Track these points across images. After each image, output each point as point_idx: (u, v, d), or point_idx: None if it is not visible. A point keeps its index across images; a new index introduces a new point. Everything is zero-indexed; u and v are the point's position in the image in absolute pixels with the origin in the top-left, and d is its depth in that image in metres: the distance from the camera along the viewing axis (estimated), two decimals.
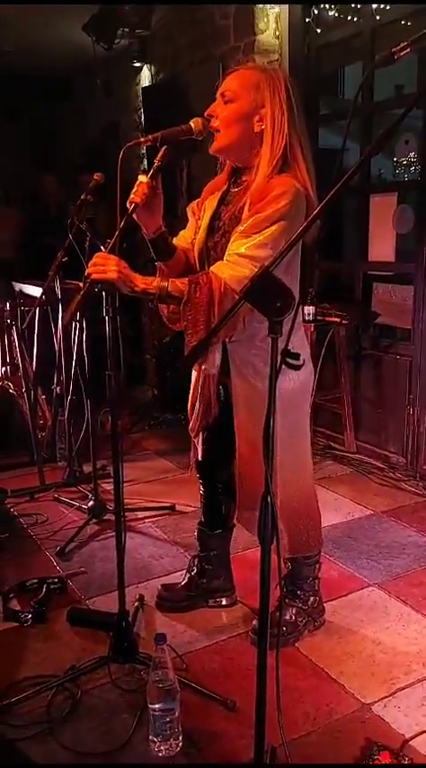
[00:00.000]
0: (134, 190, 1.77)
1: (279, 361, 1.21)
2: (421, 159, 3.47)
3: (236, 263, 1.74)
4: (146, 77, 5.09)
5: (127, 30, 4.09)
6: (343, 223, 4.06)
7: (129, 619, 2.19)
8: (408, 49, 1.07)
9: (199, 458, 2.21)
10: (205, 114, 1.86)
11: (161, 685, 1.70)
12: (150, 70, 5.01)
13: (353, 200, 3.86)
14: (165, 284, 1.76)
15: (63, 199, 5.31)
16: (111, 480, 3.56)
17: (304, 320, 3.64)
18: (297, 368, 1.23)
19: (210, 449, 2.16)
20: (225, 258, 1.79)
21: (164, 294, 1.76)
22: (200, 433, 2.16)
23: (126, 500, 3.25)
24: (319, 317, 3.67)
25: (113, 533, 2.91)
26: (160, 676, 1.70)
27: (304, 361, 1.55)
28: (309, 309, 3.65)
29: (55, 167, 6.09)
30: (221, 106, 1.85)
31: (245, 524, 2.09)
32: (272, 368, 1.22)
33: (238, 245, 1.75)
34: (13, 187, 5.92)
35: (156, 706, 1.71)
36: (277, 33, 3.84)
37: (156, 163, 1.80)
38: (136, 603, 2.35)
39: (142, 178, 1.78)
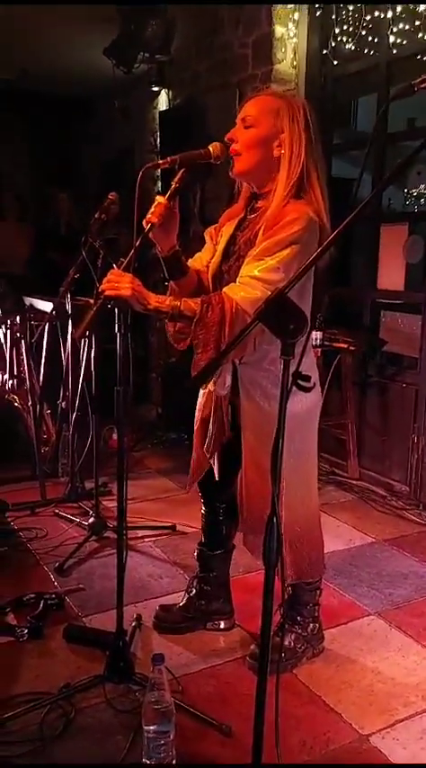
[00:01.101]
0: (151, 210, 1.80)
1: (290, 382, 1.21)
2: None
3: (249, 285, 1.75)
4: (163, 101, 5.17)
5: (147, 54, 4.16)
6: (353, 251, 4.10)
7: (127, 638, 2.18)
8: None
9: (216, 476, 2.19)
10: (225, 138, 1.89)
11: (157, 707, 1.67)
12: (168, 95, 5.09)
13: (364, 229, 3.90)
14: (178, 303, 1.78)
15: (75, 217, 5.38)
16: (113, 497, 3.59)
17: (312, 345, 3.66)
18: (308, 390, 1.24)
19: (211, 469, 2.16)
20: (238, 280, 1.80)
21: (176, 313, 1.77)
22: (215, 455, 2.16)
23: (127, 518, 3.27)
24: (326, 343, 3.68)
25: (113, 551, 2.93)
26: (156, 697, 1.68)
27: (314, 384, 1.56)
28: (317, 335, 3.67)
29: (69, 185, 6.18)
30: (241, 131, 1.89)
31: (250, 547, 2.08)
32: (283, 389, 1.22)
33: (251, 268, 1.77)
34: (28, 204, 6.00)
35: (151, 728, 1.68)
36: (294, 63, 3.91)
37: (174, 185, 1.83)
38: (133, 623, 2.33)
39: (160, 199, 1.81)
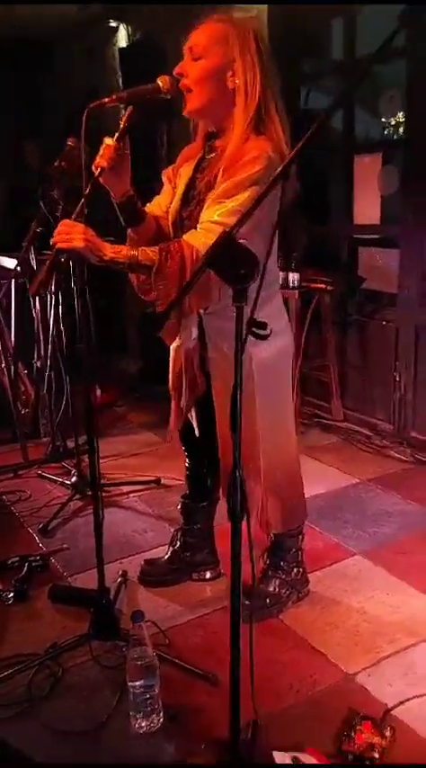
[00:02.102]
0: (100, 153, 1.69)
1: (244, 331, 1.15)
2: (407, 117, 3.36)
3: (209, 230, 1.66)
4: (123, 38, 4.90)
5: None
6: (327, 185, 3.95)
7: (112, 595, 2.18)
8: None
9: (196, 432, 2.14)
10: (174, 72, 1.77)
11: (140, 662, 1.67)
12: (127, 30, 4.82)
13: (337, 161, 3.76)
14: (135, 253, 1.69)
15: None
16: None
17: (289, 287, 3.57)
18: (264, 337, 1.17)
19: (189, 421, 2.11)
20: (198, 226, 1.71)
21: (133, 263, 1.69)
22: (192, 408, 2.11)
23: (110, 474, 3.26)
24: (304, 284, 3.60)
25: None
26: (139, 653, 1.67)
27: (271, 331, 1.47)
28: (294, 276, 3.58)
29: (39, 135, 5.90)
30: (190, 64, 1.76)
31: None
32: (238, 339, 1.16)
33: (211, 213, 1.68)
34: None
35: (136, 683, 1.69)
36: None
37: (123, 124, 1.71)
38: (118, 579, 2.33)
39: (108, 140, 1.69)
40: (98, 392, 4.32)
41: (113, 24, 4.81)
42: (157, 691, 1.71)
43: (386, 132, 7.36)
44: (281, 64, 1.80)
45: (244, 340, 1.15)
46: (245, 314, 1.19)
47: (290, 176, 1.74)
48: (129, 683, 1.70)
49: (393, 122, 6.67)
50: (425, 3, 2.63)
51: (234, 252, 1.10)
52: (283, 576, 2.17)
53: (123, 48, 4.89)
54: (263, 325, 1.16)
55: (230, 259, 1.10)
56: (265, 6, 3.71)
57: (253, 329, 1.15)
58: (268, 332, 1.17)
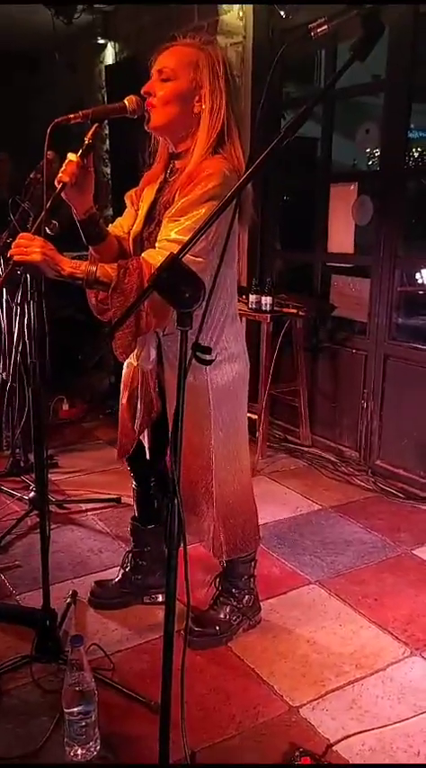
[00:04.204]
0: (62, 168, 1.68)
1: (189, 355, 1.13)
2: (382, 148, 3.41)
3: (166, 249, 1.65)
4: (109, 55, 4.94)
5: (86, 4, 3.96)
6: (304, 212, 3.99)
7: (60, 616, 2.12)
8: (325, 27, 1.00)
9: (147, 454, 2.11)
10: (142, 92, 1.77)
11: (77, 688, 1.63)
12: (114, 48, 4.86)
13: (314, 189, 3.79)
14: (94, 268, 1.68)
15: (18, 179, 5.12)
16: (59, 470, 3.51)
17: (262, 310, 3.58)
18: (207, 363, 1.16)
19: (140, 442, 2.09)
20: (156, 245, 1.71)
21: (91, 279, 1.67)
22: (146, 431, 2.08)
23: (71, 491, 3.21)
24: (277, 308, 3.61)
25: (56, 525, 2.86)
26: (76, 679, 1.63)
27: (216, 355, 1.46)
28: (266, 300, 3.59)
29: (24, 147, 5.88)
30: (159, 84, 1.77)
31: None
32: (181, 362, 1.14)
33: (168, 231, 1.67)
34: None
35: (73, 710, 1.64)
36: (240, 14, 3.74)
37: (86, 140, 1.71)
38: (68, 600, 2.28)
39: (71, 156, 1.69)
40: (65, 406, 4.29)
41: (101, 42, 4.84)
42: (94, 718, 1.66)
43: (370, 162, 7.49)
44: (266, 89, 1.80)
45: (187, 364, 1.14)
46: (191, 337, 1.17)
47: (248, 197, 1.75)
48: (65, 710, 1.65)
49: (369, 154, 6.80)
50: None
51: (178, 274, 1.09)
52: (234, 603, 2.14)
53: (109, 65, 4.92)
54: (208, 350, 1.15)
55: (175, 282, 1.09)
56: (251, 32, 3.77)
57: (198, 354, 1.13)
58: (213, 356, 1.16)
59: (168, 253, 1.62)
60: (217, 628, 2.09)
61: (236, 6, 3.73)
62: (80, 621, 2.22)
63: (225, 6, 3.75)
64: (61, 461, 3.60)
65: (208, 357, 1.16)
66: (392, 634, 2.17)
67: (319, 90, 4.00)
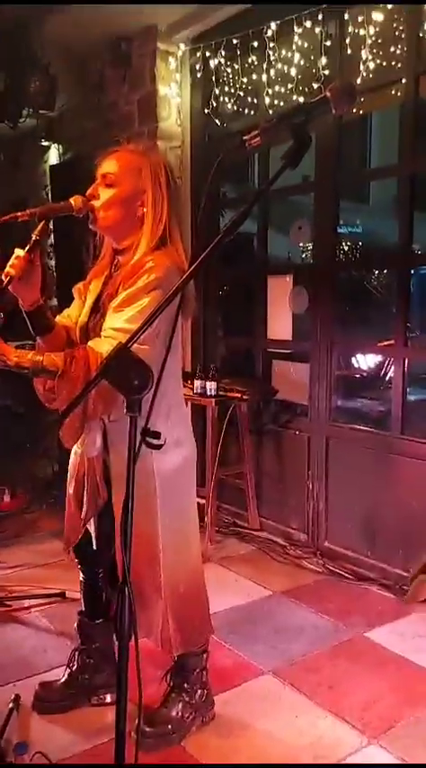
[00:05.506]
0: (10, 262, 1.73)
1: (138, 441, 1.15)
2: (314, 243, 3.63)
3: (112, 337, 1.70)
4: (54, 156, 5.15)
5: (32, 110, 4.16)
6: (244, 302, 4.18)
7: (3, 722, 2.00)
8: (258, 138, 1.10)
9: (93, 542, 2.06)
10: (86, 194, 1.86)
11: None
12: (58, 149, 5.08)
13: (252, 281, 3.98)
14: (40, 358, 1.70)
15: None
16: (2, 564, 3.37)
17: (206, 395, 3.64)
18: (157, 447, 1.18)
19: (87, 532, 2.04)
20: (102, 334, 1.75)
21: (38, 368, 1.70)
22: (92, 519, 2.04)
23: (13, 587, 3.07)
24: (221, 393, 3.68)
25: None
26: None
27: (176, 440, 1.45)
28: (211, 385, 3.66)
29: None
30: (102, 188, 1.86)
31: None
32: (130, 449, 1.16)
33: (113, 321, 1.73)
34: None
35: None
36: (178, 122, 4.01)
37: (34, 237, 1.77)
38: (10, 705, 2.14)
39: (18, 251, 1.74)
40: (7, 498, 4.16)
41: (45, 143, 5.06)
42: None
43: (304, 256, 7.90)
44: (206, 192, 1.91)
45: (136, 450, 1.15)
46: (139, 424, 1.19)
47: (190, 291, 1.83)
48: None
49: (302, 248, 7.20)
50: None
51: (127, 362, 1.12)
52: (187, 699, 2.05)
53: (53, 165, 5.12)
54: (157, 435, 1.17)
55: (123, 369, 1.12)
56: (188, 138, 4.04)
57: (148, 439, 1.15)
58: (162, 441, 1.18)
59: (114, 341, 1.69)
60: (170, 727, 2.00)
61: (174, 114, 4.00)
62: (24, 727, 2.08)
63: (163, 114, 4.02)
64: (1, 555, 3.46)
65: (157, 442, 1.18)
66: (349, 723, 2.12)
67: (254, 190, 4.27)
